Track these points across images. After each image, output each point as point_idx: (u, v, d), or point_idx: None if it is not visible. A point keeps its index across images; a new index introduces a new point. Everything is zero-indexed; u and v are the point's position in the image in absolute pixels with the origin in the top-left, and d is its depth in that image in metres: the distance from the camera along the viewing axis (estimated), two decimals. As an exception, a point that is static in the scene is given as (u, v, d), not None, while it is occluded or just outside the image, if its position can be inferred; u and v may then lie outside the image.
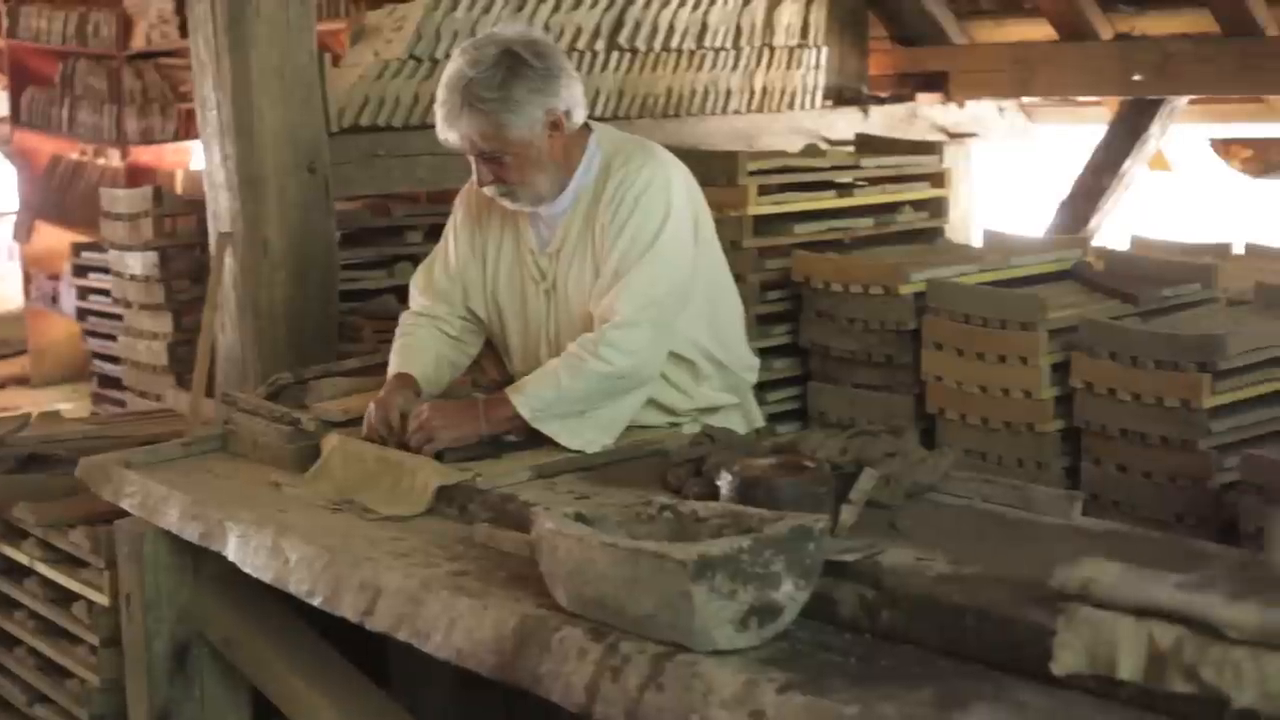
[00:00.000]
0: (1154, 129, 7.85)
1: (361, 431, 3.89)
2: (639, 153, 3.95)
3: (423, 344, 4.13)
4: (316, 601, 3.26)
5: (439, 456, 3.72)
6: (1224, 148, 8.67)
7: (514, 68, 3.77)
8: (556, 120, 3.82)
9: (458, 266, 4.15)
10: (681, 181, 3.96)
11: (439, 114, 3.84)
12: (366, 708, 3.62)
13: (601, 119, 6.74)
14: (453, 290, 4.16)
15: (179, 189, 7.59)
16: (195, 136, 5.68)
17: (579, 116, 3.89)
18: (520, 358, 4.13)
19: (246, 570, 3.51)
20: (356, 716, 3.58)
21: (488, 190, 3.91)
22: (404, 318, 4.23)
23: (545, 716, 3.05)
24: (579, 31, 6.71)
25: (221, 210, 5.42)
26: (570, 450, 3.76)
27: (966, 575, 2.76)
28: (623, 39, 6.86)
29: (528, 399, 3.79)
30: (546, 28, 6.50)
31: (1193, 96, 7.79)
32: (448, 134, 3.85)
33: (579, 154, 3.93)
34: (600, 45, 6.80)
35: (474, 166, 3.90)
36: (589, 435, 3.82)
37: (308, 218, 5.38)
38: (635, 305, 3.81)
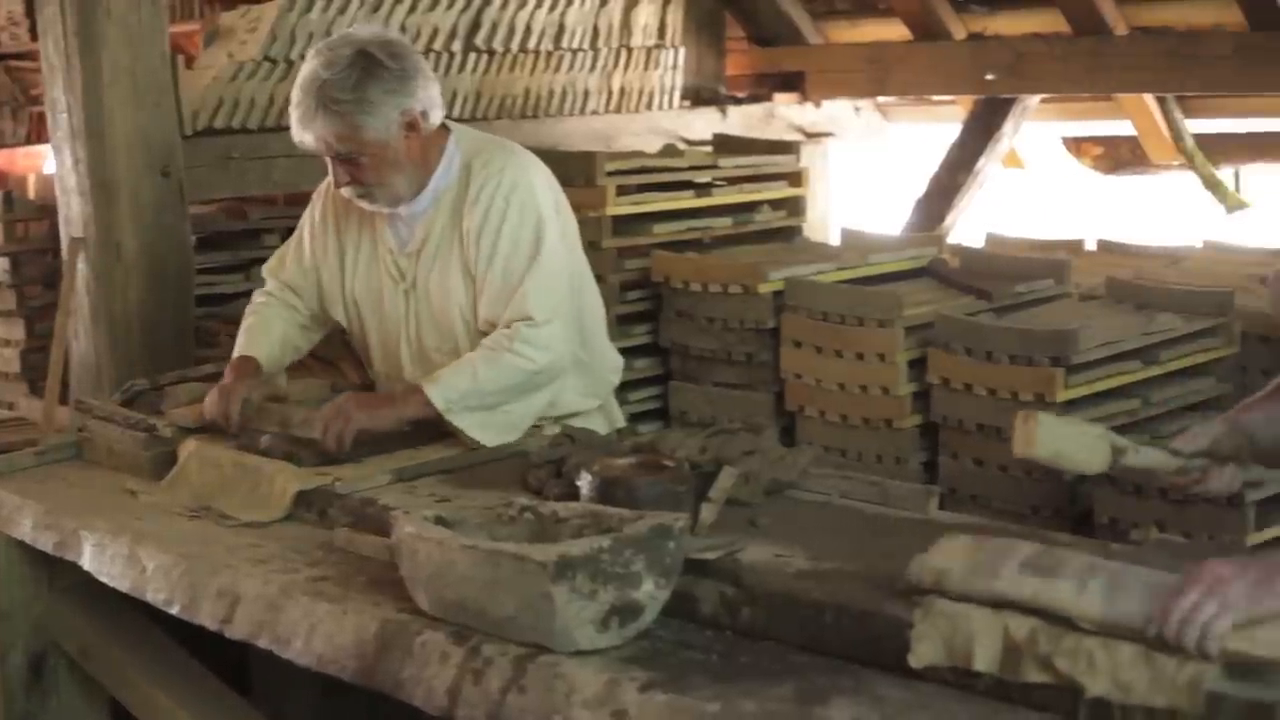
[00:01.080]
0: (1007, 127, 7.95)
1: (214, 431, 3.86)
2: (499, 154, 3.94)
3: (269, 323, 4.13)
4: (174, 610, 3.23)
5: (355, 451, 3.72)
6: (1075, 145, 8.78)
7: (369, 69, 3.75)
8: (413, 121, 3.81)
9: (312, 261, 4.13)
10: (544, 181, 3.97)
11: (294, 115, 3.81)
12: (227, 716, 3.59)
13: (459, 120, 6.70)
14: (305, 284, 4.15)
15: (31, 193, 7.44)
16: (47, 140, 5.58)
17: (436, 117, 3.88)
18: (379, 357, 4.11)
19: (103, 579, 3.46)
20: (217, 725, 3.54)
21: (345, 192, 3.89)
22: (254, 296, 4.23)
23: (407, 721, 3.04)
24: (435, 32, 6.67)
25: (74, 215, 5.33)
26: (432, 454, 3.76)
27: (825, 571, 2.79)
28: (480, 40, 6.83)
29: (442, 390, 3.78)
30: (403, 29, 6.46)
31: (1044, 95, 7.90)
32: (303, 135, 3.82)
33: (437, 154, 3.92)
34: (457, 46, 6.77)
35: (330, 168, 3.88)
36: (497, 431, 3.83)
37: (162, 222, 5.31)
38: (543, 305, 3.82)
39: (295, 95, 3.81)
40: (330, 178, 3.94)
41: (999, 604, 2.38)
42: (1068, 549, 2.53)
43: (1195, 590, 2.29)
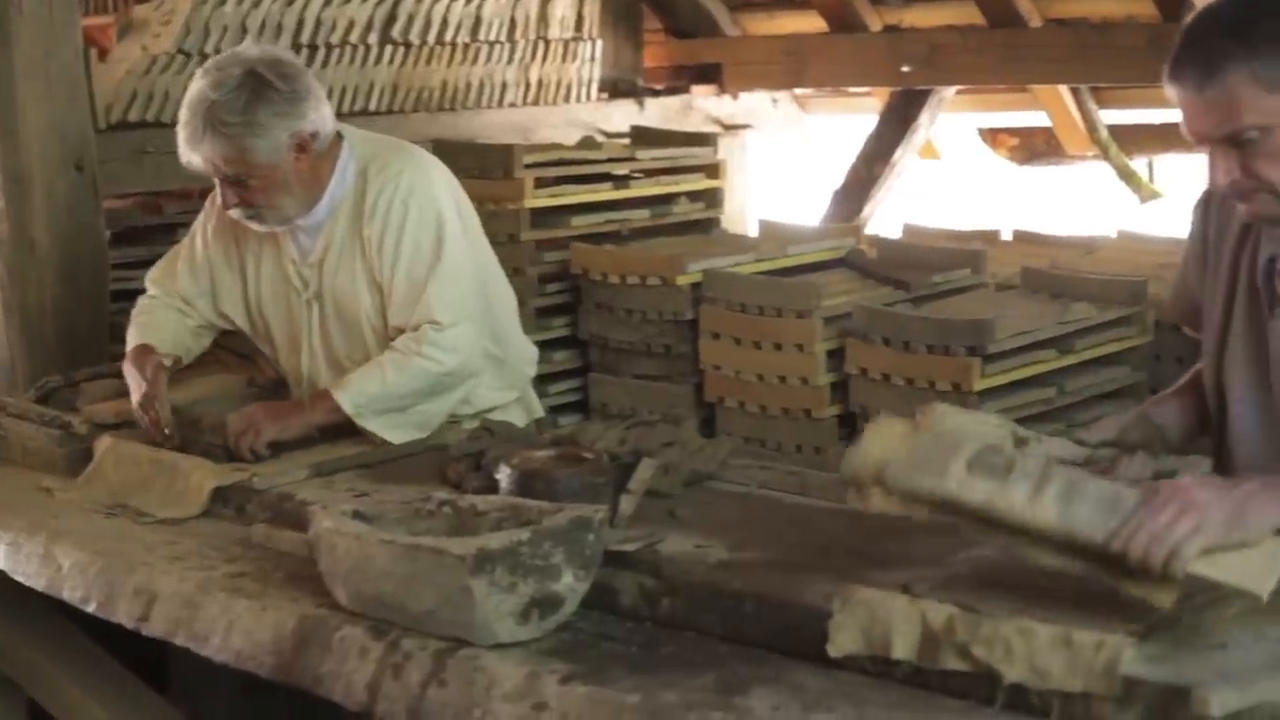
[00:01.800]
0: (923, 119, 7.99)
1: (137, 430, 3.82)
2: (395, 157, 3.91)
3: (161, 321, 4.07)
4: (91, 608, 3.20)
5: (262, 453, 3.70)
6: (991, 136, 8.83)
7: (258, 90, 3.69)
8: (303, 143, 3.76)
9: (206, 270, 4.07)
10: (442, 180, 3.94)
11: (180, 136, 3.75)
12: (146, 715, 3.56)
13: (376, 113, 6.70)
14: (197, 292, 4.08)
15: (-59, 189, 7.36)
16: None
17: (326, 137, 3.82)
18: (288, 366, 4.09)
19: (18, 578, 3.43)
20: (135, 724, 3.52)
21: (232, 213, 3.83)
22: (140, 301, 4.16)
23: (330, 717, 3.02)
24: (351, 25, 6.64)
25: (-14, 211, 5.27)
26: (350, 449, 3.74)
27: (745, 561, 2.79)
28: (396, 32, 6.80)
29: (351, 394, 3.76)
30: (319, 22, 6.42)
31: (960, 87, 7.95)
32: (190, 157, 3.76)
33: (330, 166, 3.86)
34: (373, 39, 6.73)
35: (218, 188, 3.83)
36: (407, 430, 3.82)
37: (76, 217, 5.25)
38: (449, 307, 3.80)
39: (183, 115, 3.75)
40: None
41: (948, 506, 2.39)
42: (1019, 447, 2.52)
43: (1171, 508, 2.33)
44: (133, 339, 4.03)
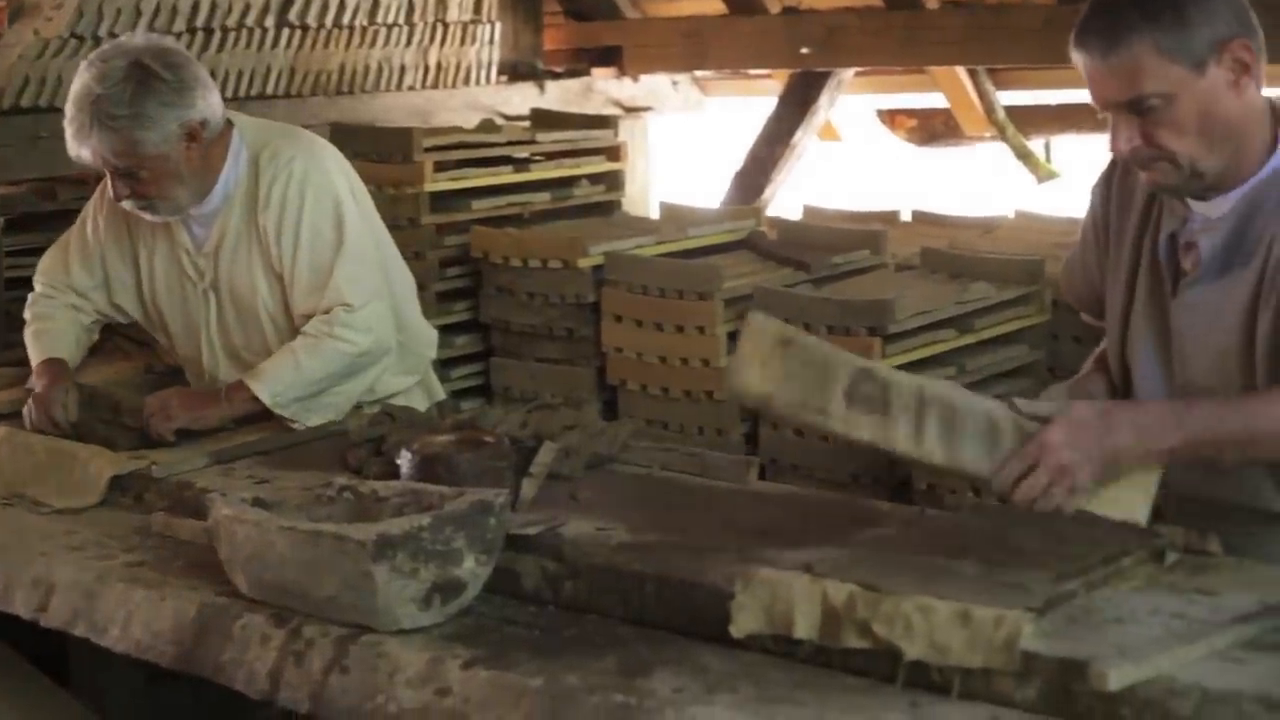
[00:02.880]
0: (822, 100, 8.03)
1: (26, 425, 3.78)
2: (286, 144, 3.87)
3: (62, 329, 4.01)
4: (-14, 600, 3.16)
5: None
6: (890, 118, 8.90)
7: (145, 81, 3.64)
8: (192, 132, 3.71)
9: (100, 261, 4.02)
10: (335, 165, 3.91)
11: (68, 131, 3.69)
12: (46, 707, 3.52)
13: (273, 97, 6.65)
14: (91, 284, 4.03)
15: None
16: None
17: (216, 125, 3.79)
18: (183, 357, 4.05)
19: (-89, 571, 3.38)
20: (35, 717, 3.47)
21: (125, 205, 3.79)
22: (35, 301, 4.09)
23: (233, 706, 3.00)
24: (247, 8, 6.58)
25: (-124, 198, 5.20)
26: (249, 435, 3.72)
27: (646, 543, 2.80)
28: (293, 16, 6.74)
29: (268, 384, 3.74)
30: (213, 4, 6.36)
31: (858, 68, 7.99)
32: (79, 151, 3.71)
33: (221, 154, 3.82)
34: (270, 22, 6.68)
35: (109, 181, 3.79)
36: (322, 414, 3.80)
37: (-32, 204, 5.20)
38: (358, 289, 3.79)
39: (69, 110, 3.69)
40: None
41: (838, 439, 2.41)
42: (888, 374, 2.55)
43: (1045, 474, 2.49)
44: (38, 351, 3.96)
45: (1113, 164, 2.91)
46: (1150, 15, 2.54)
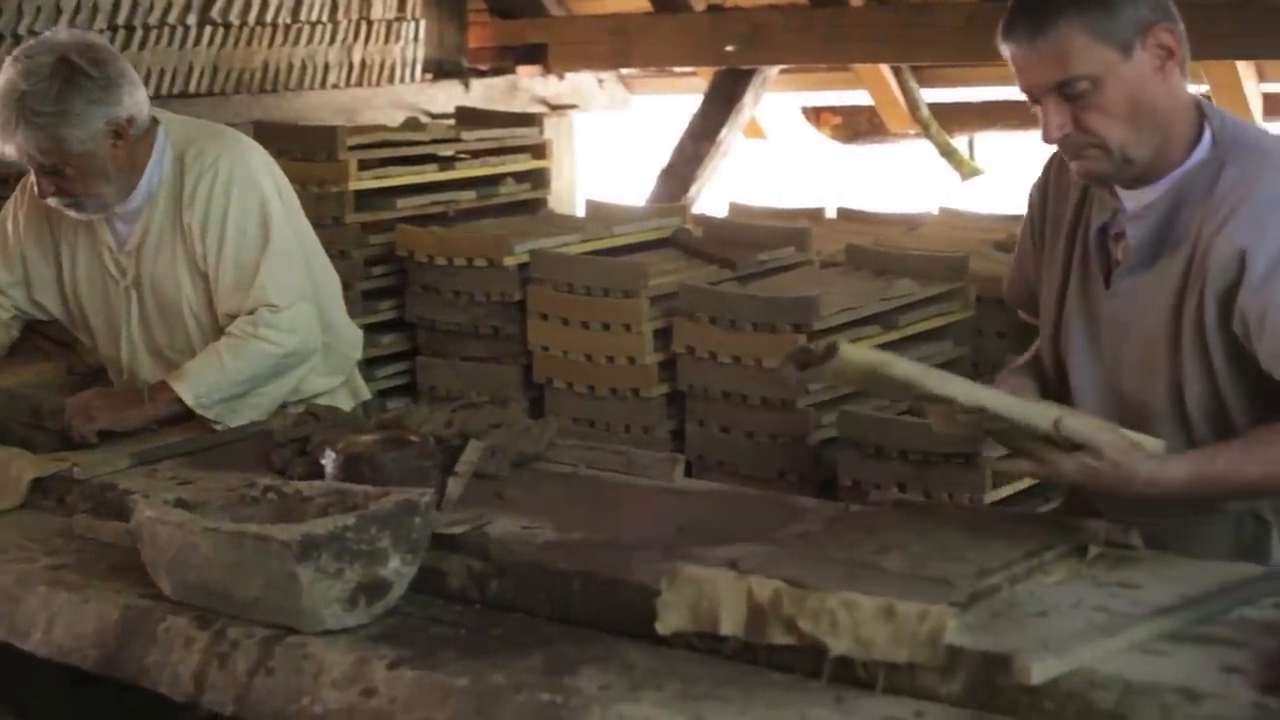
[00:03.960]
0: (748, 98, 8.05)
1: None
2: (212, 143, 3.85)
3: None
4: (-95, 605, 3.12)
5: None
6: (815, 115, 8.93)
7: (70, 78, 3.60)
8: (119, 129, 3.68)
9: (20, 258, 3.98)
10: (261, 163, 3.89)
11: None
12: (-34, 712, 3.49)
13: (196, 95, 6.61)
14: (11, 280, 3.98)
15: None
16: None
17: (142, 122, 3.76)
18: (104, 357, 4.02)
19: None
20: (-45, 721, 3.44)
21: (50, 202, 3.76)
22: None
23: (158, 709, 2.98)
24: (169, 5, 6.54)
25: None
26: (172, 436, 3.69)
27: (572, 541, 2.79)
28: (215, 13, 6.71)
29: (191, 385, 3.71)
30: (135, 2, 6.32)
31: (783, 66, 8.01)
32: (3, 148, 3.66)
33: (147, 151, 3.79)
34: (192, 20, 6.64)
35: (34, 178, 3.75)
36: (246, 414, 3.78)
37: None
38: (284, 289, 3.77)
39: None
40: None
41: (912, 390, 2.50)
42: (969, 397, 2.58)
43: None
44: None
45: (1048, 167, 2.96)
46: (1076, 1, 2.58)
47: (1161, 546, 2.66)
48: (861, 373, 2.58)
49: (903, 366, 2.52)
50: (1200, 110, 2.72)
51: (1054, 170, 2.93)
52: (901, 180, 9.49)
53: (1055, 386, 2.93)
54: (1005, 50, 2.67)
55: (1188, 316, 2.66)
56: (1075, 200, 2.86)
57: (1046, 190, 2.94)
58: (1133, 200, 2.74)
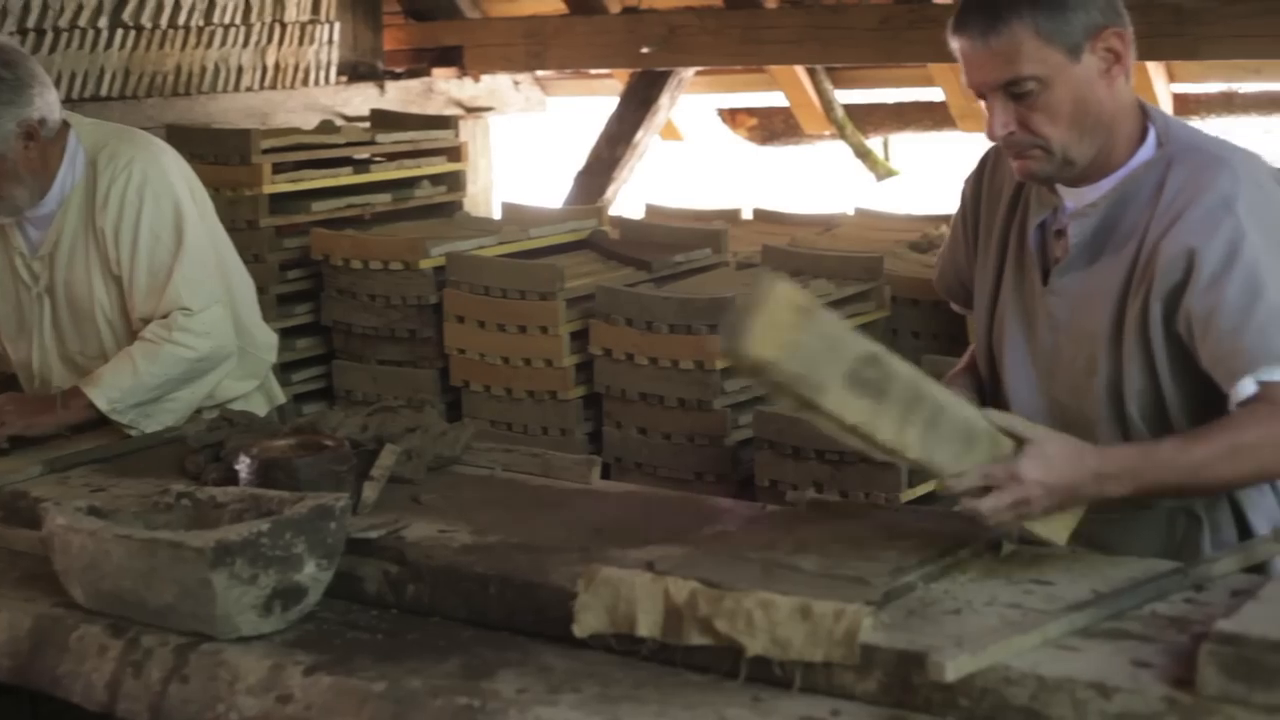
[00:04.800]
0: (664, 100, 8.05)
1: None
2: (125, 146, 3.82)
3: None
4: None
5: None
6: (730, 117, 8.95)
7: None
8: (30, 130, 3.65)
9: None
10: (174, 166, 3.87)
11: None
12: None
13: (108, 99, 6.54)
14: None
15: None
16: None
17: (54, 123, 3.73)
18: (15, 362, 3.99)
19: None
20: None
21: None
22: None
23: (72, 719, 2.96)
24: (80, 8, 6.47)
25: None
26: (85, 443, 3.66)
27: (489, 545, 2.79)
28: (127, 16, 6.64)
29: (104, 390, 3.68)
30: (45, 4, 6.25)
31: (699, 68, 8.03)
32: None
33: (59, 155, 3.76)
34: (104, 22, 6.58)
35: None
36: (160, 420, 3.75)
37: None
38: (198, 293, 3.75)
39: None
40: None
41: (820, 414, 2.39)
42: (892, 362, 2.45)
43: (1006, 497, 2.44)
44: None
45: (982, 161, 2.97)
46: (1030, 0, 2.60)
47: (1093, 543, 2.69)
48: (789, 309, 2.47)
49: (831, 316, 2.47)
50: (1144, 112, 2.74)
51: (990, 164, 2.94)
52: (817, 181, 9.51)
53: (990, 385, 2.94)
54: (954, 44, 2.68)
55: (1131, 316, 2.67)
56: (1010, 195, 2.87)
57: (981, 184, 2.95)
58: (1074, 199, 2.75)
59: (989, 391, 2.94)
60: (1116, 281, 2.69)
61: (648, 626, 2.38)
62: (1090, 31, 2.62)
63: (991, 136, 2.70)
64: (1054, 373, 2.80)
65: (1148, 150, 2.71)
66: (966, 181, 3.01)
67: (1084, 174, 2.71)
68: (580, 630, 2.42)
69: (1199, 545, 2.76)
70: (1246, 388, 2.55)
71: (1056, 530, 2.55)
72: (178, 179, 3.84)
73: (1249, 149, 2.74)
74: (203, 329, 3.75)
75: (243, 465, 2.98)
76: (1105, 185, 2.72)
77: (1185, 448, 2.56)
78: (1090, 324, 2.73)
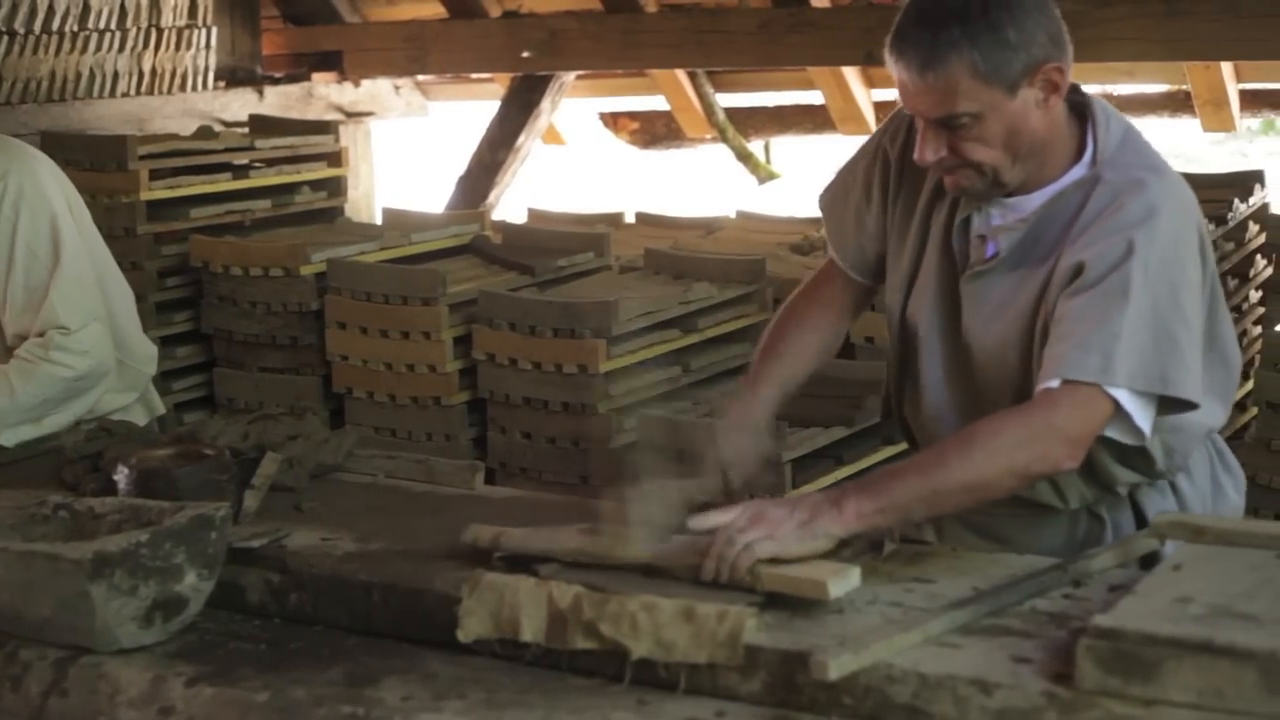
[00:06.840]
0: (545, 104, 8.06)
1: None
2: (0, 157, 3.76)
3: None
4: None
5: None
6: (612, 121, 8.96)
7: None
8: None
9: None
10: (51, 178, 3.80)
11: None
12: None
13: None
14: None
15: None
16: None
17: None
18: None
19: None
20: None
21: None
22: None
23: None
24: (-49, 14, 6.40)
25: None
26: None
27: (372, 552, 2.78)
28: (0, 21, 6.56)
29: None
30: (-86, 10, 6.17)
31: (580, 72, 8.04)
32: None
33: None
34: (-25, 28, 6.50)
35: None
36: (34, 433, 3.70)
37: None
38: (75, 311, 3.68)
39: None
40: None
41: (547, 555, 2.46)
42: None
43: (745, 519, 2.45)
44: None
45: (910, 126, 2.83)
46: (971, 36, 2.55)
47: (999, 540, 2.71)
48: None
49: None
50: (1090, 123, 2.72)
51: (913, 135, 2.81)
52: (699, 184, 9.56)
53: (898, 354, 2.94)
54: (891, 65, 2.63)
55: (1038, 329, 2.68)
56: (935, 177, 2.80)
57: (906, 150, 2.83)
58: (1002, 212, 2.74)
59: (898, 362, 2.93)
60: (1032, 293, 2.69)
61: (532, 631, 2.38)
62: (1030, 68, 2.59)
63: (922, 161, 2.67)
64: (969, 366, 2.81)
65: (1081, 168, 2.70)
66: (884, 135, 2.92)
67: (1016, 190, 2.71)
68: (465, 636, 2.42)
69: (1102, 544, 2.78)
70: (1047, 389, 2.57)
71: (821, 586, 2.38)
72: (54, 192, 3.77)
73: (1177, 174, 2.73)
74: (80, 348, 3.69)
75: (121, 475, 2.95)
76: (1035, 200, 2.71)
77: (936, 449, 2.61)
78: (1003, 329, 2.73)
